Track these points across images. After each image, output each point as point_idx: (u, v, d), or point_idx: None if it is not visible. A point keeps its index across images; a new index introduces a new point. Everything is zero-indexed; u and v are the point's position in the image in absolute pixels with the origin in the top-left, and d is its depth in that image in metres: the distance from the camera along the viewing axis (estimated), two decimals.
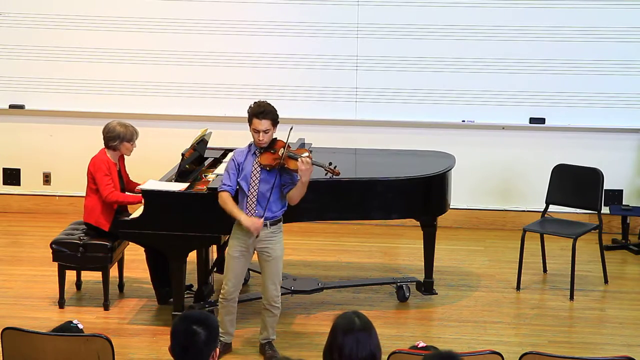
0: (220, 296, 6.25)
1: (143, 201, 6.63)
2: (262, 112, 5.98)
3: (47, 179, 9.23)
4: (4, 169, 9.26)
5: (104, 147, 7.07)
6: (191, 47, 8.82)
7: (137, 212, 6.73)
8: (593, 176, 7.60)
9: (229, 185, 6.08)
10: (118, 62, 8.91)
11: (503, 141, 8.85)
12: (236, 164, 6.08)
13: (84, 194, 7.14)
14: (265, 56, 8.81)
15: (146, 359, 6.31)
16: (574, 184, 7.69)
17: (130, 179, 7.26)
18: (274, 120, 6.03)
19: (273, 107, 6.05)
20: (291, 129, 6.00)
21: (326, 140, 7.97)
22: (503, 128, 8.82)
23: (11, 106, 9.07)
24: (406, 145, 8.37)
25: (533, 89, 8.71)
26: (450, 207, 7.36)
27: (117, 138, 7.01)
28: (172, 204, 6.56)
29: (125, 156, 7.20)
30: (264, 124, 5.99)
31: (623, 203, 8.77)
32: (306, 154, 6.06)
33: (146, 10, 8.81)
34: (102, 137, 7.09)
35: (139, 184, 7.00)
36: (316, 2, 8.73)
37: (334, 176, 6.20)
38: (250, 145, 6.12)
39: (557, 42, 8.59)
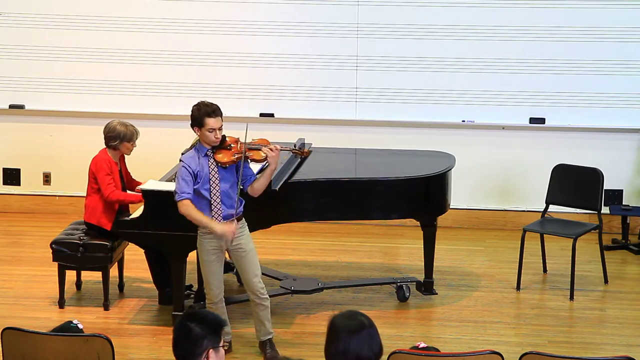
0: (208, 302, 6.24)
1: (143, 201, 6.64)
2: (214, 110, 5.98)
3: (47, 179, 9.23)
4: (4, 169, 9.26)
5: (105, 146, 7.07)
6: (191, 47, 8.82)
7: (137, 212, 6.74)
8: (593, 176, 7.60)
9: (188, 193, 5.99)
10: (118, 62, 8.91)
11: (503, 141, 8.85)
12: (190, 171, 6.00)
13: (84, 194, 7.14)
14: (265, 56, 8.81)
15: (146, 359, 6.31)
16: (574, 184, 7.69)
17: (132, 177, 7.26)
18: (222, 115, 6.05)
19: (215, 103, 6.08)
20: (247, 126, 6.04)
21: (326, 140, 7.98)
22: (503, 128, 8.82)
23: (11, 106, 9.07)
24: (406, 145, 8.37)
25: (533, 89, 8.71)
26: (450, 207, 7.36)
27: (118, 138, 7.02)
28: (172, 204, 6.55)
29: (125, 155, 7.20)
30: (218, 121, 5.99)
31: (623, 203, 8.77)
32: (266, 141, 6.09)
33: (146, 10, 8.81)
34: (102, 137, 7.10)
35: (141, 183, 7.02)
36: (316, 2, 8.73)
37: (304, 157, 6.21)
38: (197, 149, 6.08)
39: (557, 42, 8.59)
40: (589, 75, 8.62)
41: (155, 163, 8.00)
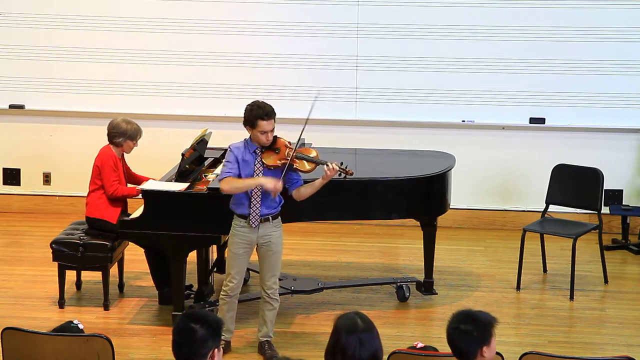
0: (223, 293, 6.25)
1: (143, 201, 6.65)
2: (268, 112, 6.01)
3: (47, 179, 9.23)
4: (4, 169, 9.26)
5: (108, 143, 7.09)
6: (191, 47, 8.82)
7: (137, 212, 6.74)
8: (593, 176, 7.60)
9: (228, 172, 6.02)
10: (118, 62, 8.91)
11: (503, 141, 8.85)
12: (235, 157, 6.05)
13: (84, 194, 7.15)
14: (265, 56, 8.81)
15: (146, 359, 6.31)
16: (574, 184, 7.69)
17: (132, 172, 7.28)
18: (275, 117, 6.06)
19: (270, 105, 6.09)
20: (313, 104, 6.14)
21: (326, 140, 7.97)
22: (503, 128, 8.83)
23: (11, 106, 9.07)
24: (406, 145, 8.37)
25: (533, 89, 8.71)
26: (450, 207, 7.36)
27: (122, 135, 7.03)
28: (172, 204, 6.56)
29: (125, 154, 7.21)
30: (271, 123, 6.02)
31: (623, 203, 8.77)
32: (314, 153, 6.10)
33: (146, 10, 8.81)
34: (102, 136, 7.11)
35: (141, 176, 7.07)
36: (316, 2, 8.73)
37: (348, 176, 6.17)
38: (246, 142, 6.10)
39: (557, 42, 8.59)
40: (589, 75, 8.62)
41: (155, 163, 8.00)
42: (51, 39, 8.90)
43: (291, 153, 6.02)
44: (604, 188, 7.72)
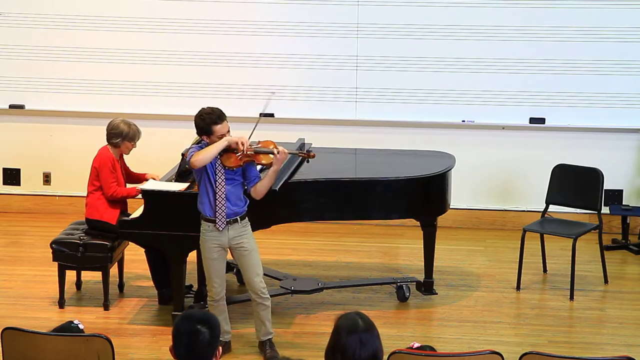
0: (209, 299, 6.25)
1: (143, 201, 6.65)
2: (219, 116, 5.98)
3: (47, 179, 9.23)
4: (4, 169, 9.26)
5: (106, 143, 7.09)
6: (191, 47, 8.82)
7: (137, 212, 6.74)
8: (593, 176, 7.60)
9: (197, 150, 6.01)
10: (118, 62, 8.91)
11: (503, 141, 8.85)
12: (200, 147, 6.04)
13: (84, 194, 7.15)
14: (265, 56, 8.81)
15: (146, 359, 6.31)
16: (574, 184, 7.70)
17: (130, 170, 7.28)
18: (226, 117, 6.05)
19: (218, 107, 6.06)
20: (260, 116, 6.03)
21: (326, 140, 7.97)
22: (503, 128, 8.82)
23: (11, 106, 9.07)
24: (406, 145, 8.37)
25: (533, 89, 8.70)
26: (450, 207, 7.36)
27: (120, 136, 7.03)
28: (172, 204, 6.56)
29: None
30: (225, 125, 6.00)
31: (623, 203, 8.77)
32: (268, 143, 6.07)
33: (146, 10, 8.81)
34: (102, 136, 7.12)
35: (141, 174, 7.06)
36: (316, 2, 8.73)
37: (310, 159, 6.20)
38: (201, 146, 6.07)
39: (557, 42, 8.59)
40: (589, 75, 8.62)
41: (155, 163, 8.00)
42: (51, 39, 8.90)
43: (248, 150, 5.99)
44: (604, 188, 7.72)
